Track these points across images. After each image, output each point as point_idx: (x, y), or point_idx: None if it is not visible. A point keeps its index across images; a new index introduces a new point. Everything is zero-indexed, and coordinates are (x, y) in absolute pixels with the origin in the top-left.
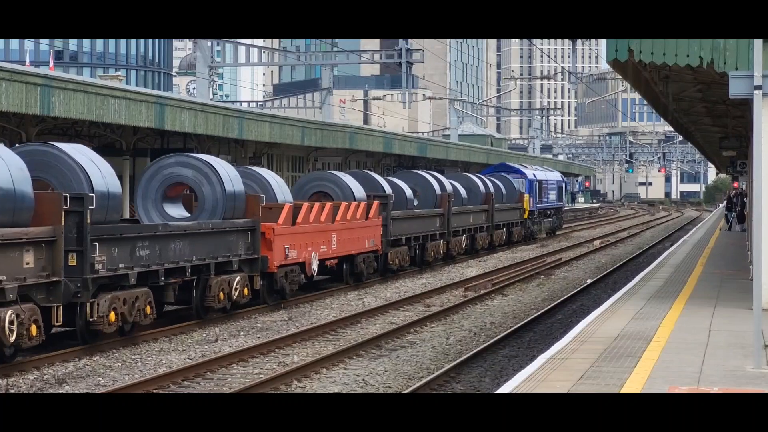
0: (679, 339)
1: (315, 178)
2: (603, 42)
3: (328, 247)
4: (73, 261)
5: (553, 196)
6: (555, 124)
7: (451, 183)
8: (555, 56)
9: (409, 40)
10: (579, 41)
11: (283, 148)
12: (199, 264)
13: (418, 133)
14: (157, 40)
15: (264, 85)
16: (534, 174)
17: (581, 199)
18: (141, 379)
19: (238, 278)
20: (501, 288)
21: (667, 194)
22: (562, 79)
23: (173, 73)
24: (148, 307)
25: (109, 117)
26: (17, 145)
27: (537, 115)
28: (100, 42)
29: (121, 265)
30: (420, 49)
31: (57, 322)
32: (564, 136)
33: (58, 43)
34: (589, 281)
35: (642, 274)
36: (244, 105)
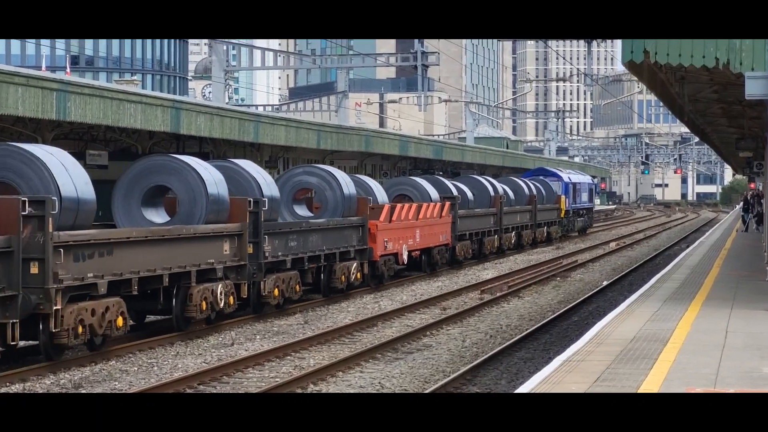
0: (696, 341)
1: (397, 182)
2: (618, 43)
3: (414, 240)
4: (251, 250)
5: (585, 197)
6: (571, 126)
7: (501, 186)
8: (570, 58)
9: (425, 43)
10: (594, 43)
11: (299, 152)
12: (329, 253)
13: (433, 135)
14: (172, 44)
15: (279, 89)
16: (569, 177)
17: (597, 201)
18: (157, 383)
19: (354, 264)
20: (517, 290)
21: (684, 196)
22: (578, 81)
23: (189, 77)
24: (297, 285)
25: (125, 121)
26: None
27: (553, 117)
28: (116, 46)
29: (280, 253)
30: (435, 52)
31: (243, 295)
32: (580, 138)
33: (74, 48)
34: (605, 283)
35: (658, 275)
36: (260, 109)
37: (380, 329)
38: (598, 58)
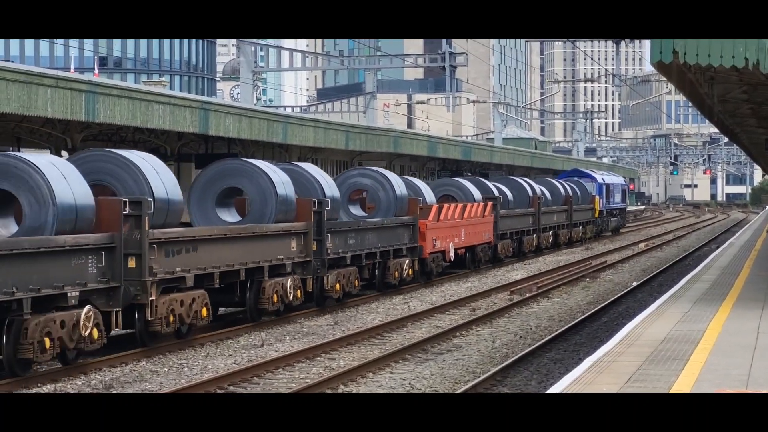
0: (727, 342)
1: (442, 183)
2: (647, 44)
3: (459, 239)
4: (315, 247)
5: (618, 197)
6: (599, 127)
7: (539, 187)
8: (598, 59)
9: (453, 44)
10: (623, 43)
11: (328, 153)
12: (383, 250)
13: (462, 136)
14: (200, 45)
15: (308, 90)
16: (603, 178)
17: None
18: (187, 384)
19: (407, 261)
20: (546, 291)
21: (713, 196)
22: (606, 82)
23: (217, 78)
24: (356, 281)
25: (154, 122)
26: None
27: (581, 118)
28: (144, 48)
29: (340, 250)
30: (463, 53)
31: (309, 289)
32: (608, 138)
33: (103, 50)
34: (634, 284)
35: (688, 276)
36: (288, 110)
37: (410, 330)
38: (626, 59)
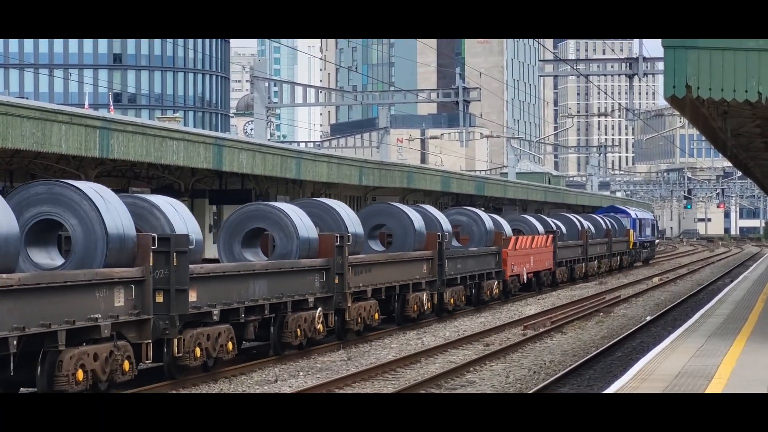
0: (741, 377)
1: (513, 219)
2: (660, 78)
3: (529, 265)
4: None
5: (648, 231)
6: (612, 161)
7: (586, 222)
8: (612, 93)
9: (466, 79)
10: (635, 78)
11: (341, 188)
12: (479, 273)
13: (475, 171)
14: (214, 81)
15: (321, 125)
16: (636, 214)
17: None
18: None
19: (495, 282)
20: (560, 326)
21: (727, 230)
22: (620, 116)
23: (231, 114)
24: (463, 296)
25: (168, 158)
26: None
27: (594, 152)
28: (158, 83)
29: (452, 273)
30: (477, 88)
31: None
32: (622, 172)
33: (117, 85)
34: (648, 318)
35: (702, 310)
36: (302, 145)
37: (423, 365)
38: (639, 93)
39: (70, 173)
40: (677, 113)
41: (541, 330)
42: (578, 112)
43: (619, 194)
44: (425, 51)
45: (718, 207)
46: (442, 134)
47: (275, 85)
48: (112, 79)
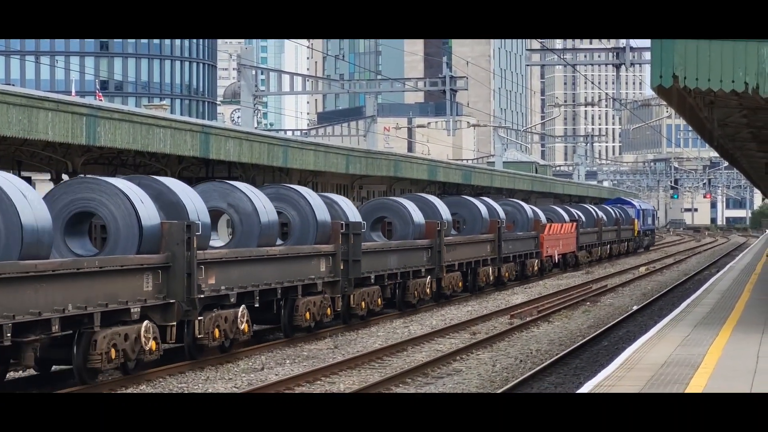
0: (727, 366)
1: (545, 209)
2: (647, 68)
3: (559, 248)
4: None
5: (650, 221)
6: (599, 151)
7: (600, 212)
8: (599, 83)
9: (453, 68)
10: (623, 67)
11: (328, 177)
12: (523, 253)
13: (462, 160)
14: (201, 69)
15: (308, 114)
16: (639, 205)
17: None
18: None
19: (536, 261)
20: (547, 315)
21: (713, 220)
22: (607, 106)
23: (218, 102)
24: (514, 271)
25: (155, 146)
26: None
27: (581, 142)
28: (144, 71)
29: (506, 252)
30: (464, 77)
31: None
32: (608, 162)
33: (104, 73)
34: (635, 308)
35: (688, 300)
36: (289, 133)
37: (410, 354)
38: (626, 83)
39: (56, 160)
40: (664, 103)
41: (528, 319)
42: (565, 101)
43: (606, 183)
44: (412, 40)
45: (704, 197)
46: (429, 123)
47: (262, 73)
48: (99, 67)
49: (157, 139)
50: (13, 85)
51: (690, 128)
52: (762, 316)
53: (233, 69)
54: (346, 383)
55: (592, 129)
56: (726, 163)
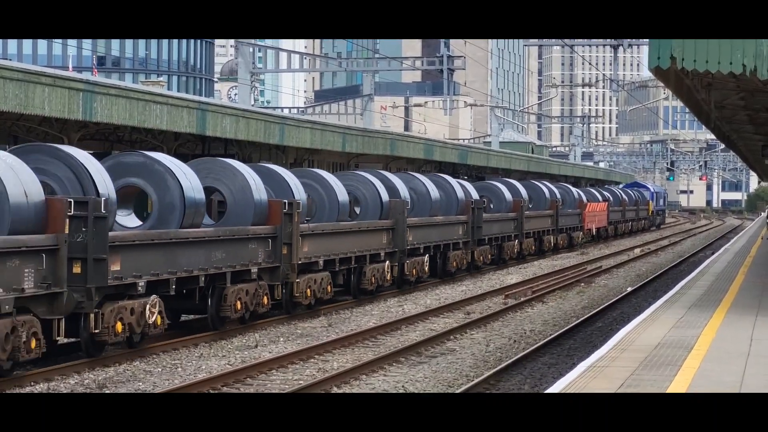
0: (721, 348)
1: (585, 191)
2: (645, 49)
3: (596, 224)
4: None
5: (661, 202)
6: (596, 132)
7: (624, 194)
8: (596, 64)
9: (451, 47)
10: (620, 48)
11: (324, 155)
12: (571, 227)
13: (459, 140)
14: (198, 46)
15: (305, 92)
16: (653, 188)
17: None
18: (180, 385)
19: (581, 234)
20: (541, 296)
21: (709, 202)
22: (604, 87)
23: (215, 79)
24: (564, 241)
25: (151, 122)
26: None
27: (578, 123)
28: (142, 47)
29: (560, 225)
30: (461, 56)
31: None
32: (605, 143)
33: (101, 49)
34: (629, 289)
35: (683, 282)
36: (286, 111)
37: (404, 333)
38: (624, 64)
39: (52, 135)
40: (661, 85)
41: (522, 299)
42: (562, 82)
43: (602, 165)
44: None
45: (700, 179)
46: (426, 102)
47: (260, 51)
48: (96, 43)
49: (153, 116)
50: (10, 60)
51: (687, 110)
52: (756, 298)
53: (231, 46)
54: (339, 361)
55: (589, 110)
56: (722, 146)
